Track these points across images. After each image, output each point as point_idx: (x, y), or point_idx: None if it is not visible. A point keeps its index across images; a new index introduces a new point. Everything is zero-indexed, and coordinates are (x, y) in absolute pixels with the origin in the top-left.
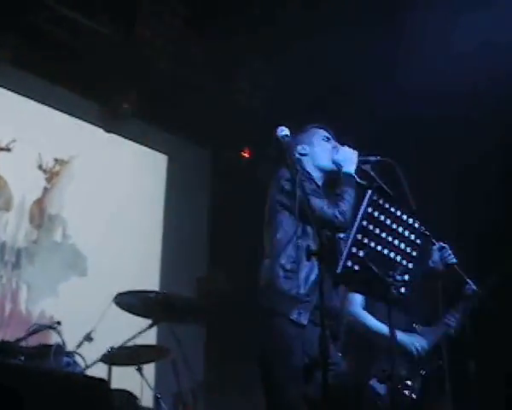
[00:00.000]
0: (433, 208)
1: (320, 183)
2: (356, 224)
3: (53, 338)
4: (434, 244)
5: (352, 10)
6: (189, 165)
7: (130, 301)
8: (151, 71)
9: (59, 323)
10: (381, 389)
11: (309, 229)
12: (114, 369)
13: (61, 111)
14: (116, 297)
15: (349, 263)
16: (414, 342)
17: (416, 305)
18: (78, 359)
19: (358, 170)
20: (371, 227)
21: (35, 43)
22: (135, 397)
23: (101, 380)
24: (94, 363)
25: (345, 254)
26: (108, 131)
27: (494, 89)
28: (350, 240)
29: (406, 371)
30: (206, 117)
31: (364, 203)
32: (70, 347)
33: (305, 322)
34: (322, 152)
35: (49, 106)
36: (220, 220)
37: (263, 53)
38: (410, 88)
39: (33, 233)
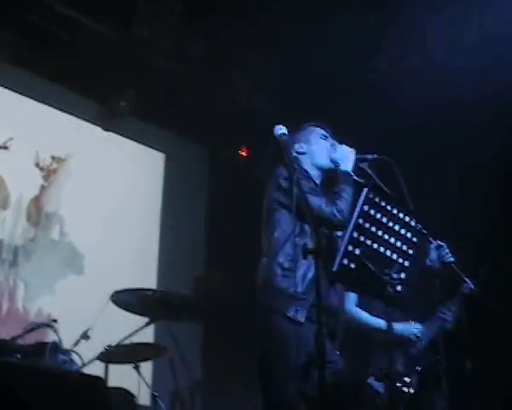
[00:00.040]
0: (432, 208)
1: (318, 181)
2: (352, 222)
3: (50, 336)
4: (431, 243)
5: (352, 11)
6: (186, 163)
7: (127, 299)
8: (149, 69)
9: (55, 321)
10: (379, 386)
11: (307, 227)
12: (112, 367)
13: (59, 109)
14: (113, 295)
15: (345, 261)
16: (411, 329)
17: (412, 301)
18: (74, 357)
19: (356, 168)
20: (367, 225)
21: (33, 42)
22: (132, 395)
23: (97, 378)
24: (91, 361)
25: (341, 252)
26: (106, 130)
27: (495, 91)
28: (346, 238)
29: (403, 367)
30: (203, 116)
31: (360, 201)
32: (67, 345)
33: (302, 320)
34: (320, 150)
35: (47, 104)
36: (218, 219)
37: (261, 51)
38: (410, 88)
39: (30, 231)
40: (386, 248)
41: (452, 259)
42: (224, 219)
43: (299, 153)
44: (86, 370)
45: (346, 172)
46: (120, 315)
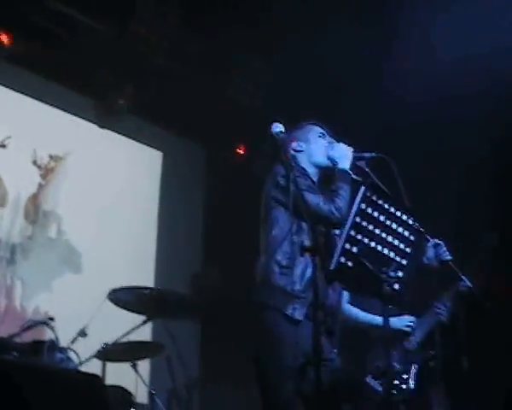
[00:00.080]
0: (432, 207)
1: (315, 179)
2: (349, 220)
3: (47, 334)
4: (429, 241)
5: (352, 10)
6: (184, 162)
7: (125, 298)
8: (146, 68)
9: (52, 319)
10: (376, 385)
11: (304, 225)
12: (109, 365)
13: (57, 107)
14: (110, 293)
15: (342, 259)
16: (404, 321)
17: (407, 297)
18: (71, 355)
19: (353, 166)
20: (365, 223)
21: (30, 40)
22: (129, 393)
23: (94, 376)
24: (88, 359)
25: (338, 250)
26: (103, 128)
27: (493, 89)
28: (343, 236)
29: (400, 364)
30: (201, 114)
31: (358, 200)
32: (64, 343)
33: (300, 318)
34: (318, 148)
35: (45, 102)
36: (215, 217)
37: (259, 49)
38: (409, 88)
39: (28, 229)
40: (383, 247)
41: (450, 257)
42: (221, 217)
43: (296, 151)
44: (84, 368)
45: (344, 171)
46: (118, 313)
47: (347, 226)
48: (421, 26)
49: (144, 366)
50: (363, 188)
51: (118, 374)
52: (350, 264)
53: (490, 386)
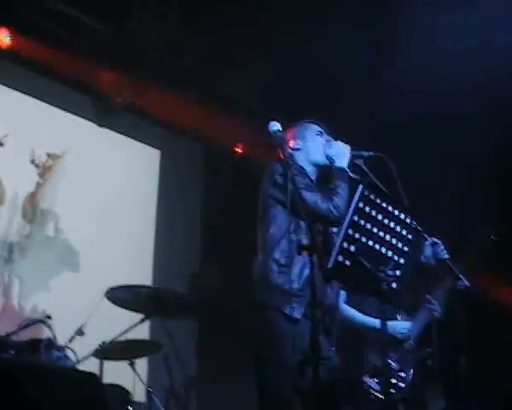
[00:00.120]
0: (430, 206)
1: (313, 177)
2: (347, 219)
3: (45, 333)
4: (427, 239)
5: (352, 9)
6: (182, 160)
7: (122, 296)
8: (145, 66)
9: (49, 317)
10: (373, 384)
11: (302, 223)
12: (107, 364)
13: (54, 106)
14: (108, 292)
15: (340, 258)
16: (398, 327)
17: (404, 296)
18: (69, 353)
19: (351, 164)
20: (363, 222)
21: (28, 38)
22: (127, 392)
23: (91, 374)
24: (85, 358)
25: (336, 249)
26: (101, 126)
27: (493, 88)
28: (341, 235)
29: (397, 362)
30: (199, 112)
31: (356, 198)
32: (62, 341)
33: (298, 316)
34: (316, 147)
35: (43, 101)
36: (213, 216)
37: (258, 49)
38: (409, 88)
39: (26, 228)
40: (381, 246)
41: (447, 256)
42: (219, 216)
43: (294, 149)
44: (81, 366)
45: (342, 169)
46: (115, 312)
47: (345, 225)
48: (421, 24)
49: (142, 364)
50: (360, 187)
51: (115, 373)
52: (348, 263)
53: (488, 386)
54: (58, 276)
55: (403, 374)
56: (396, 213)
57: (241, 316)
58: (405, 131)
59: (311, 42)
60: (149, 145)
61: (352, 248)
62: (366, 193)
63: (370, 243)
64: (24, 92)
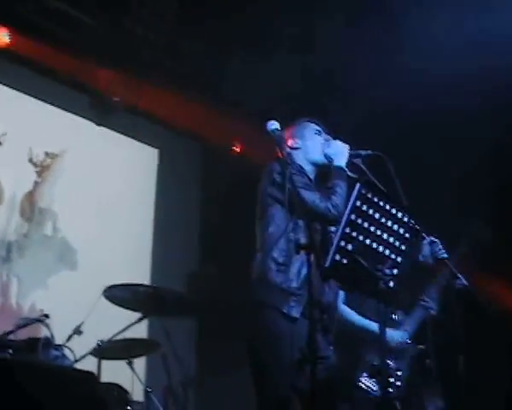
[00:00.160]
0: (430, 205)
1: (312, 176)
2: (344, 217)
3: (43, 332)
4: (425, 238)
5: (352, 8)
6: (180, 159)
7: (120, 295)
8: (143, 65)
9: (47, 316)
10: (371, 383)
11: (301, 223)
12: (105, 363)
13: (52, 104)
14: (105, 290)
15: (337, 257)
16: (394, 337)
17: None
18: (67, 352)
19: (350, 163)
20: (360, 221)
21: (25, 36)
22: (125, 391)
23: (89, 373)
24: (83, 356)
25: (333, 247)
26: (99, 125)
27: (494, 89)
28: (338, 234)
29: (394, 361)
30: (197, 111)
31: (353, 197)
32: (60, 340)
33: (296, 315)
34: (314, 146)
35: (41, 99)
36: (212, 215)
37: (258, 48)
38: (408, 87)
39: (24, 226)
40: (378, 244)
41: (445, 255)
42: (218, 215)
43: (292, 148)
44: (79, 365)
45: (340, 168)
46: (113, 311)
47: (342, 224)
48: (422, 25)
49: (140, 363)
50: (358, 185)
51: (113, 371)
52: (345, 261)
53: (487, 386)
54: (56, 275)
55: (399, 373)
56: (394, 211)
57: (239, 315)
58: (405, 130)
59: (312, 42)
60: (148, 144)
61: (350, 247)
62: (364, 192)
63: (368, 241)
64: (22, 91)
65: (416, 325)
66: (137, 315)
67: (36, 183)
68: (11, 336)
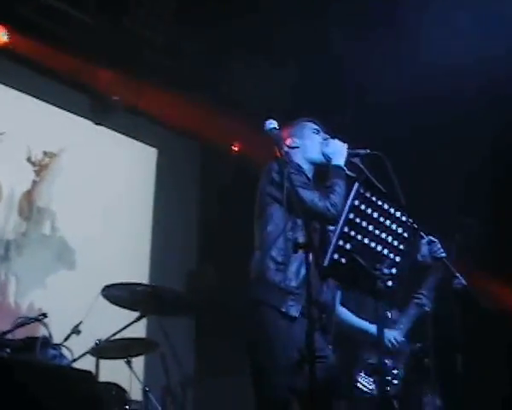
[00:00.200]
0: (430, 204)
1: (310, 175)
2: (343, 216)
3: (41, 331)
4: (423, 238)
5: (352, 9)
6: (178, 158)
7: (118, 294)
8: (141, 64)
9: (45, 315)
10: (368, 382)
11: (299, 222)
12: (103, 362)
13: (51, 104)
14: (104, 290)
15: (336, 256)
16: (387, 336)
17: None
18: (65, 351)
19: (348, 163)
20: (358, 220)
21: (24, 35)
22: (123, 390)
23: (87, 372)
24: (81, 356)
25: (332, 246)
26: (98, 124)
27: (494, 89)
28: (337, 233)
29: (390, 359)
30: (196, 110)
31: (351, 196)
32: (59, 339)
33: (295, 314)
34: (313, 145)
35: (39, 98)
36: (210, 214)
37: (257, 47)
38: (408, 87)
39: (22, 226)
40: (377, 243)
41: (444, 254)
42: (216, 214)
43: (291, 147)
44: (77, 364)
45: (339, 167)
46: (111, 310)
47: (341, 223)
48: (421, 25)
49: (138, 362)
50: (356, 184)
51: (112, 371)
52: (343, 260)
53: (485, 386)
54: (54, 274)
55: (395, 371)
56: (392, 211)
57: (238, 315)
58: (405, 129)
59: (311, 41)
60: (146, 144)
61: (348, 246)
62: (362, 191)
63: (366, 240)
64: (20, 90)
65: (411, 323)
66: (136, 314)
67: (34, 182)
68: (9, 336)
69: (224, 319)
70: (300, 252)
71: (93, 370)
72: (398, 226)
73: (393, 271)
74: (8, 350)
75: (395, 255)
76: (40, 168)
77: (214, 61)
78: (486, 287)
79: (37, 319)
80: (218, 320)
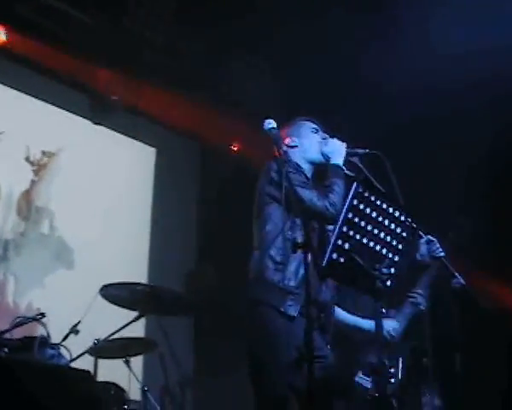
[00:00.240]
0: (429, 204)
1: (309, 175)
2: (341, 216)
3: (39, 330)
4: (422, 237)
5: (352, 9)
6: (177, 158)
7: (117, 293)
8: (140, 63)
9: (43, 315)
10: (366, 382)
11: (298, 221)
12: (102, 361)
13: (50, 103)
14: (102, 289)
15: (334, 255)
16: (385, 328)
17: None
18: (63, 351)
19: (347, 162)
20: (357, 219)
21: (23, 35)
22: (122, 390)
23: (85, 372)
24: (80, 355)
25: (330, 246)
26: (97, 124)
27: (494, 87)
28: (335, 233)
29: (387, 358)
30: (195, 110)
31: (350, 195)
32: (56, 339)
33: (294, 314)
34: (311, 144)
35: (37, 98)
36: (209, 214)
37: (257, 46)
38: (408, 86)
39: (21, 225)
40: (375, 243)
41: (443, 254)
42: (215, 214)
43: (289, 146)
44: (76, 364)
45: (337, 166)
46: (110, 309)
47: (339, 222)
48: (421, 21)
49: (137, 362)
50: (355, 184)
51: (110, 370)
52: (342, 260)
53: (484, 385)
54: (53, 273)
55: (392, 370)
56: (391, 210)
57: (237, 315)
58: (404, 130)
59: (311, 41)
60: (145, 143)
61: (347, 246)
62: (361, 190)
63: (365, 240)
64: (19, 90)
65: (407, 322)
66: (134, 314)
67: (33, 181)
68: (7, 335)
69: (224, 319)
70: (299, 252)
71: (91, 370)
72: (397, 226)
73: (392, 270)
74: (5, 350)
75: (394, 255)
76: (39, 168)
77: (214, 61)
78: (485, 286)
79: (35, 319)
80: (218, 320)
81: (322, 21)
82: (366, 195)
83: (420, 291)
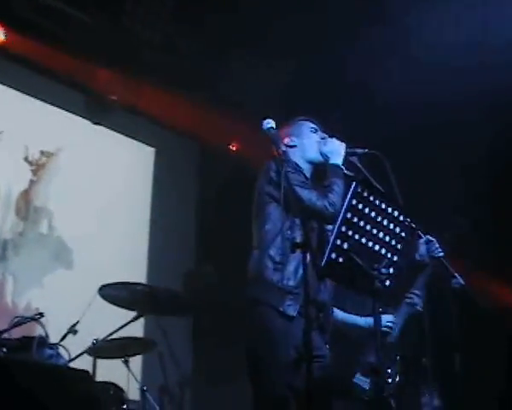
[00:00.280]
0: (429, 204)
1: (308, 174)
2: (340, 216)
3: (38, 330)
4: (421, 237)
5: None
6: (176, 158)
7: (116, 293)
8: (139, 62)
9: (42, 314)
10: (364, 382)
11: (297, 221)
12: (101, 361)
13: (48, 103)
14: (101, 289)
15: (333, 255)
16: (383, 321)
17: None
18: (61, 351)
19: (346, 162)
20: (356, 219)
21: (21, 34)
22: (121, 390)
23: (84, 372)
24: (78, 355)
25: (329, 246)
26: (95, 124)
27: (494, 89)
28: (334, 232)
29: (384, 359)
30: (194, 109)
31: (349, 195)
32: (55, 339)
33: (293, 314)
34: (310, 144)
35: (36, 98)
36: (209, 214)
37: (256, 46)
38: (407, 86)
39: (19, 225)
40: (374, 243)
41: (442, 254)
42: (214, 214)
43: (288, 146)
44: (74, 364)
45: (337, 166)
46: (109, 309)
47: (338, 222)
48: (421, 26)
49: (136, 362)
50: (354, 184)
51: (109, 370)
52: (341, 260)
53: (483, 385)
54: (52, 273)
55: (389, 370)
56: (390, 210)
57: (236, 314)
58: (404, 130)
59: (312, 41)
60: (144, 143)
61: (345, 246)
62: (359, 190)
63: (364, 240)
64: (18, 89)
65: (403, 322)
66: (133, 314)
67: (31, 181)
68: (5, 335)
69: (222, 318)
70: (298, 251)
71: (90, 369)
72: (396, 226)
73: (391, 270)
74: (4, 350)
75: (393, 255)
76: (37, 168)
77: (213, 61)
78: (485, 287)
79: (33, 319)
80: (217, 320)
81: (323, 21)
82: (365, 194)
83: (416, 292)
